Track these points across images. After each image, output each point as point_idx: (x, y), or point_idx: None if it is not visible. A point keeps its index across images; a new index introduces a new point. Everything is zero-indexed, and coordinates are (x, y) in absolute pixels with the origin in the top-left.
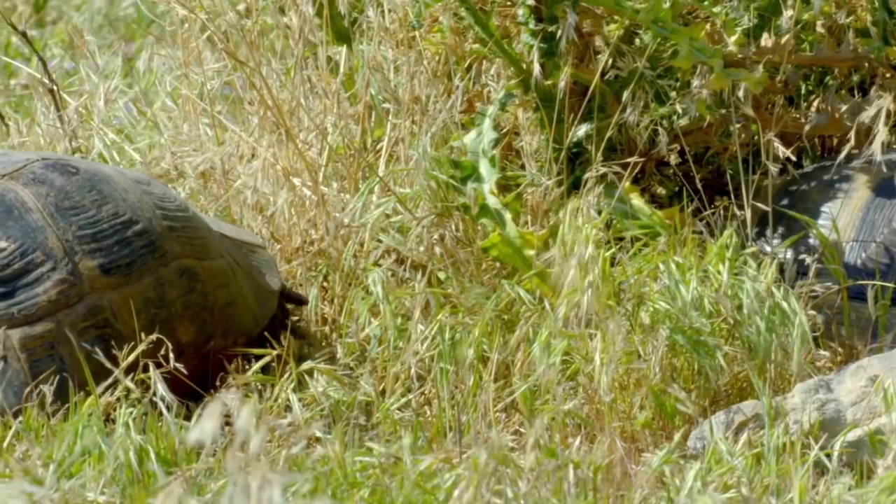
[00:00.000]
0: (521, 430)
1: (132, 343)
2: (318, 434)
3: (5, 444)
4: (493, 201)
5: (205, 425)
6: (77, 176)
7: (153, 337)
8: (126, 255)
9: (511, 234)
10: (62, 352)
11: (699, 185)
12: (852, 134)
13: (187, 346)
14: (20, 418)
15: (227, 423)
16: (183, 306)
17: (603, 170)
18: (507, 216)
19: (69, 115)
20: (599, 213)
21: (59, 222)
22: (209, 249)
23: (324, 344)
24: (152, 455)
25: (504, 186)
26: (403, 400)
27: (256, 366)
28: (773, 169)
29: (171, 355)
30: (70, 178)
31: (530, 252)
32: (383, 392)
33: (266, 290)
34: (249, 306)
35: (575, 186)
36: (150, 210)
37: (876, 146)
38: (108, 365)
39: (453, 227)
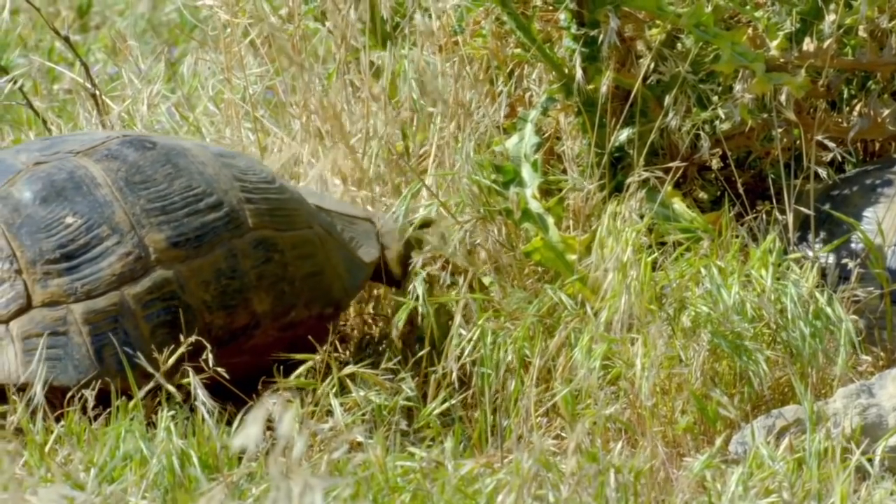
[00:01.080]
0: (563, 434)
1: (200, 315)
2: (360, 439)
3: (47, 449)
4: (535, 206)
5: (249, 431)
6: (152, 151)
7: (192, 339)
8: (196, 228)
9: (553, 239)
10: (126, 325)
11: (741, 190)
12: None
13: (264, 317)
14: (62, 422)
15: (269, 428)
16: (257, 276)
17: (645, 174)
18: (550, 220)
19: (112, 119)
20: (641, 217)
21: (128, 196)
22: (294, 220)
23: (366, 348)
24: (194, 459)
25: (546, 191)
26: (445, 405)
27: (301, 369)
28: (822, 172)
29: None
30: (144, 153)
31: (572, 256)
32: (425, 396)
33: (359, 261)
34: (339, 276)
35: (617, 190)
36: (227, 182)
37: None
38: (141, 365)
39: (496, 232)
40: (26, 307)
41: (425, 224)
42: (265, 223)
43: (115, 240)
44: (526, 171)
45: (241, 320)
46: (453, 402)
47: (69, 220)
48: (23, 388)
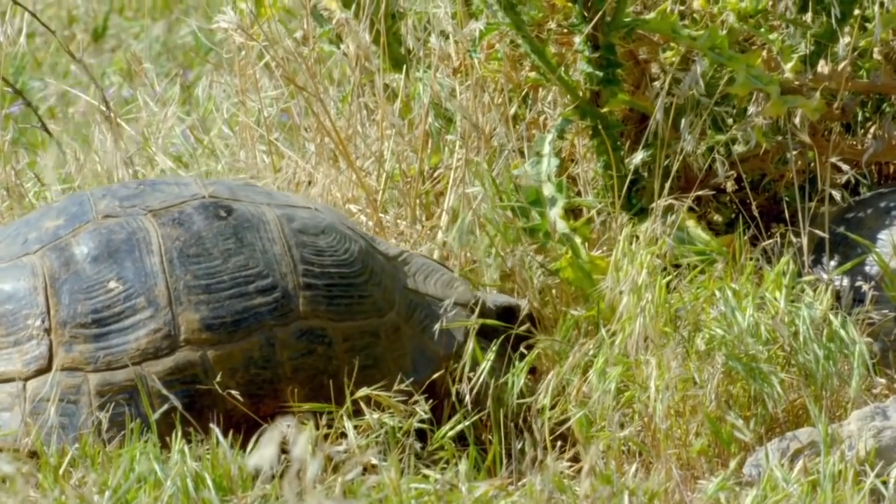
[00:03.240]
0: (577, 456)
1: (221, 401)
2: (374, 461)
3: (61, 471)
4: (561, 226)
5: (263, 452)
6: (223, 221)
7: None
8: (237, 311)
9: (582, 259)
10: (139, 403)
11: (755, 212)
12: None
13: (293, 407)
14: (76, 445)
15: (283, 451)
16: (293, 369)
17: (669, 200)
18: (577, 240)
19: (126, 142)
20: (656, 241)
21: (176, 269)
22: (361, 308)
23: None
24: (209, 482)
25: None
26: (459, 427)
27: None
28: (836, 194)
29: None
30: (212, 223)
31: (600, 277)
32: (439, 419)
33: (432, 353)
34: (400, 368)
35: (630, 212)
36: (290, 265)
37: None
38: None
39: (530, 254)
40: (46, 369)
41: (508, 309)
42: (318, 312)
43: (149, 313)
44: (549, 192)
45: (267, 409)
46: (467, 423)
47: (112, 284)
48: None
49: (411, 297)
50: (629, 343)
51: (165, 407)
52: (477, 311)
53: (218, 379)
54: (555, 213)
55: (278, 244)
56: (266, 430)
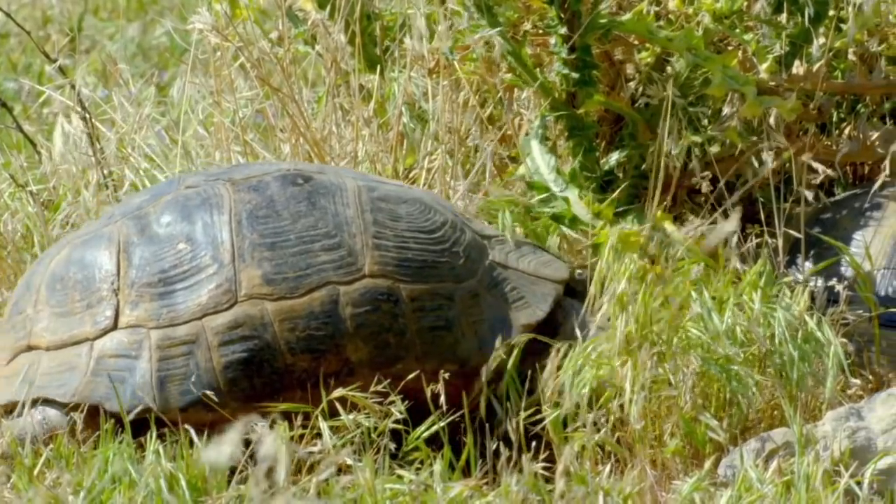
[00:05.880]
0: (553, 457)
1: (282, 356)
2: (349, 462)
3: (36, 472)
4: (582, 212)
5: (222, 448)
6: (298, 187)
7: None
8: (300, 267)
9: (614, 239)
10: (199, 357)
11: (731, 213)
12: (887, 163)
13: (359, 365)
14: (51, 446)
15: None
16: (356, 325)
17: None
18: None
19: (101, 143)
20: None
21: (243, 229)
22: (434, 273)
23: None
24: (182, 482)
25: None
26: (434, 428)
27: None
28: (808, 194)
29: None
30: (287, 189)
31: (633, 254)
32: (415, 419)
33: (512, 321)
34: (475, 333)
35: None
36: (361, 227)
37: None
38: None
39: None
40: (112, 328)
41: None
42: (387, 272)
43: (213, 270)
44: (555, 184)
45: (330, 366)
46: (442, 424)
47: (181, 245)
48: (75, 408)
49: (498, 270)
50: (607, 348)
51: (223, 361)
52: (562, 287)
53: (278, 332)
54: (575, 197)
55: (352, 208)
56: (231, 427)
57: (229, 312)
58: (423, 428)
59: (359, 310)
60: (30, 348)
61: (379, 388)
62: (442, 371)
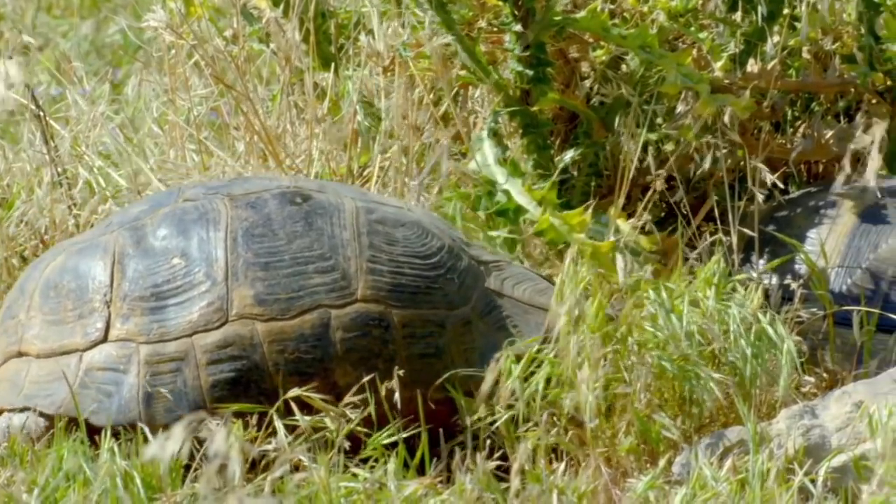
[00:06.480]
0: (507, 455)
1: (269, 377)
2: (304, 460)
3: None
4: (524, 200)
5: (166, 444)
6: (296, 206)
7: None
8: (293, 289)
9: (556, 223)
10: (186, 375)
11: (686, 211)
12: (846, 161)
13: (346, 389)
14: (4, 444)
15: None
16: (346, 349)
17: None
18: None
19: (55, 141)
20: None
21: (238, 247)
22: (427, 299)
23: None
24: (137, 480)
25: None
26: (390, 428)
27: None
28: (760, 195)
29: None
30: (285, 208)
31: (579, 236)
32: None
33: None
34: (466, 361)
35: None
36: (355, 250)
37: (870, 174)
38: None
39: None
40: (102, 340)
41: None
42: (380, 297)
43: (205, 288)
44: (501, 176)
45: (317, 390)
46: (396, 423)
47: (175, 260)
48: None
49: (492, 297)
50: (563, 355)
51: (210, 380)
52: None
53: (266, 354)
54: (518, 188)
55: (348, 230)
56: (180, 424)
57: (219, 331)
58: (383, 434)
59: (349, 334)
60: (20, 354)
61: (356, 399)
62: (429, 396)
